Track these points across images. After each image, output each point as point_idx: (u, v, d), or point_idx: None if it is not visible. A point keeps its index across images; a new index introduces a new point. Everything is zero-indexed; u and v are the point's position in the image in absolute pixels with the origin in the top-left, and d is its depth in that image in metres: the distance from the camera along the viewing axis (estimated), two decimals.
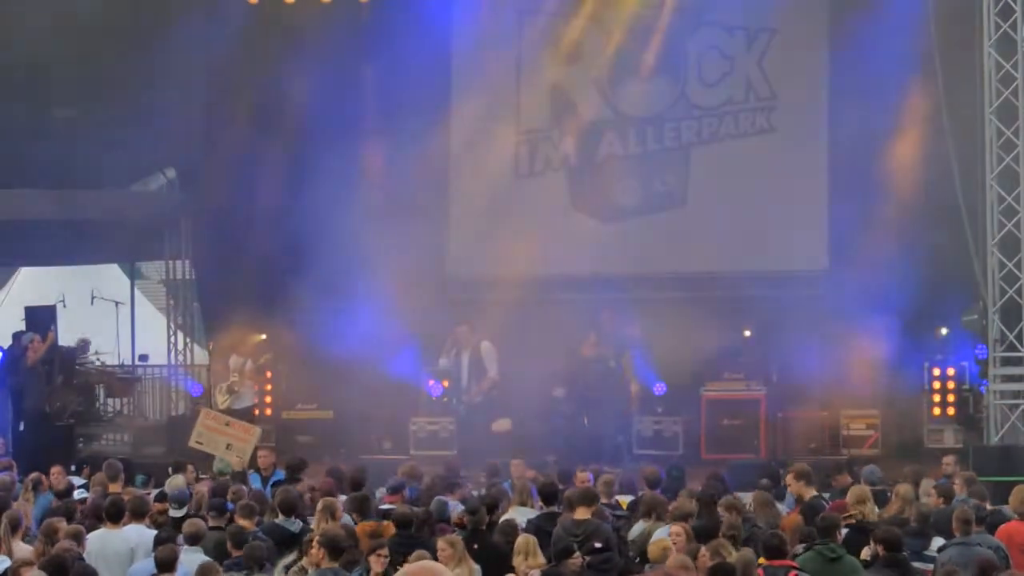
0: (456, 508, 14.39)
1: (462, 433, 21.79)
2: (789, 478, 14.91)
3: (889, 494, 14.76)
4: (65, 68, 21.94)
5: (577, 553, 12.35)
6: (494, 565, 12.40)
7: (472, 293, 23.39)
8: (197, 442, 17.52)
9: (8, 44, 21.49)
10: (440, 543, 12.16)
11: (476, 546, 12.54)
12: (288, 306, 22.81)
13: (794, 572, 11.72)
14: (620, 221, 23.51)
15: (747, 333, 22.37)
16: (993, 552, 12.43)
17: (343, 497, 14.66)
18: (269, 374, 22.94)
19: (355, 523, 13.67)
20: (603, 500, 14.73)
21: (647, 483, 15.71)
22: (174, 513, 14.12)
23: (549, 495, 14.39)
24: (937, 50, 19.63)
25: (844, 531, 12.97)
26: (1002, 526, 13.34)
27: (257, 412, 22.84)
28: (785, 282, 22.68)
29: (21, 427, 21.75)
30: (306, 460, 17.24)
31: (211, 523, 13.38)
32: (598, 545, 12.39)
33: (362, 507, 14.08)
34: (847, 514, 13.23)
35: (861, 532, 13.11)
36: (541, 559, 12.41)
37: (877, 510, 14.20)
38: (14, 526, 12.72)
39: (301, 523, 13.71)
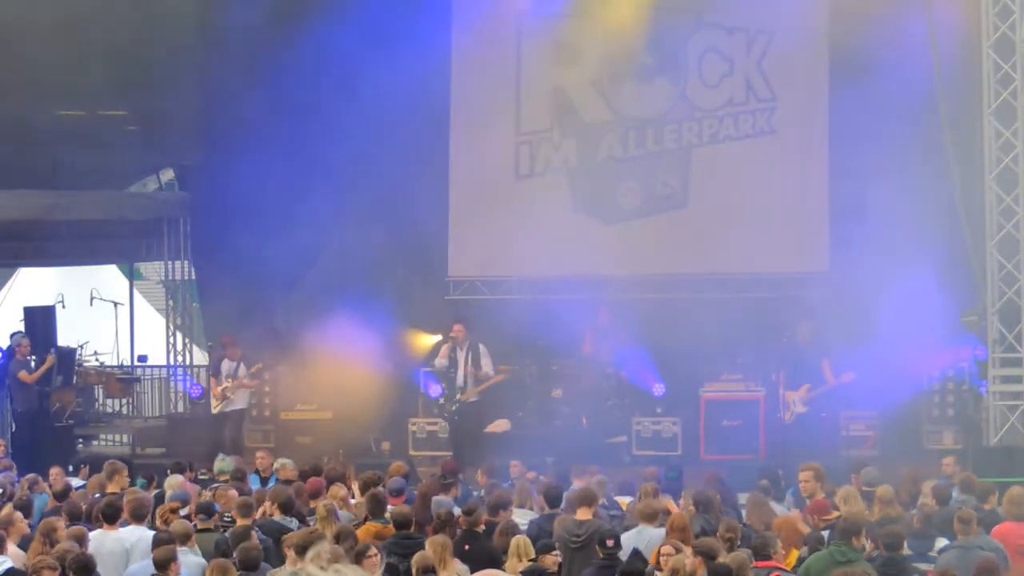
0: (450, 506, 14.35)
1: (457, 433, 21.78)
2: (803, 475, 14.79)
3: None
4: (66, 68, 21.93)
5: (556, 551, 12.30)
6: (486, 566, 12.33)
7: (473, 294, 23.41)
8: None
9: (8, 44, 21.52)
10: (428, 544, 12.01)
11: (467, 547, 12.47)
12: (287, 306, 22.80)
13: (776, 573, 11.66)
14: (621, 222, 23.47)
15: (746, 334, 22.34)
16: (993, 553, 12.39)
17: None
18: (267, 377, 22.84)
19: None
20: (601, 501, 14.72)
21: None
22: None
23: (554, 497, 14.33)
24: (936, 51, 19.60)
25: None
26: (996, 527, 13.29)
27: (256, 413, 22.84)
28: (785, 283, 22.68)
29: (13, 428, 21.77)
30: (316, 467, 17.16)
31: (199, 525, 13.28)
32: (610, 543, 12.34)
33: (375, 508, 14.03)
34: (827, 517, 13.13)
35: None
36: None
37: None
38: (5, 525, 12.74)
39: (298, 521, 13.70)
